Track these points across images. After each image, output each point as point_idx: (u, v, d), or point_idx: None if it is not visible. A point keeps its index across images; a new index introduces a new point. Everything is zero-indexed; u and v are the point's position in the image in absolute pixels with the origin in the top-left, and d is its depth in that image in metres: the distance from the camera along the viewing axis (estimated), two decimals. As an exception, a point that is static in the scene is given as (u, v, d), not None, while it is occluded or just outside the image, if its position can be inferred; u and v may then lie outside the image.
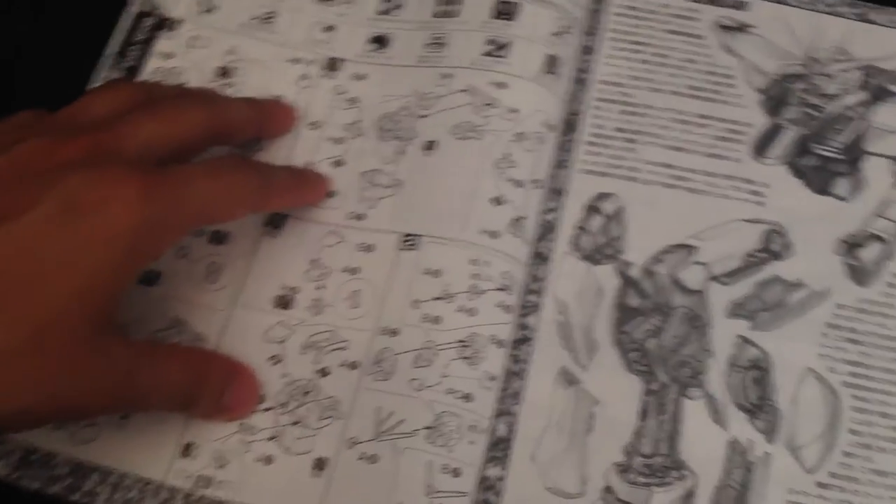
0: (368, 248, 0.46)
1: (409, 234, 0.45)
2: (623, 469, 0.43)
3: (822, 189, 0.48)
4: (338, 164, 0.48)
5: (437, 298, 0.44)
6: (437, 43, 0.50)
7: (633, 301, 0.46)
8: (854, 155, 0.48)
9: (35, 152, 0.36)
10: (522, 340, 0.45)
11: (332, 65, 0.50)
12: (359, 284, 0.45)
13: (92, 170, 0.35)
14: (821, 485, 0.42)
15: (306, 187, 0.46)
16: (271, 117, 0.48)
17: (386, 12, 0.52)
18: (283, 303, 0.45)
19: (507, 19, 0.49)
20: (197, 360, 0.41)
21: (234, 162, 0.41)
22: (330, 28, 0.51)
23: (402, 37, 0.51)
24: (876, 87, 0.50)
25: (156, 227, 0.36)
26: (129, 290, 0.37)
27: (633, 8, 0.52)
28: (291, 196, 0.45)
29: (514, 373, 0.44)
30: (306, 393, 0.43)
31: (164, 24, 0.51)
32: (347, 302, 0.45)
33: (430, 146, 0.47)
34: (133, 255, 0.35)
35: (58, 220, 0.33)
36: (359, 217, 0.46)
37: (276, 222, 0.46)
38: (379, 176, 0.47)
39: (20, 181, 0.34)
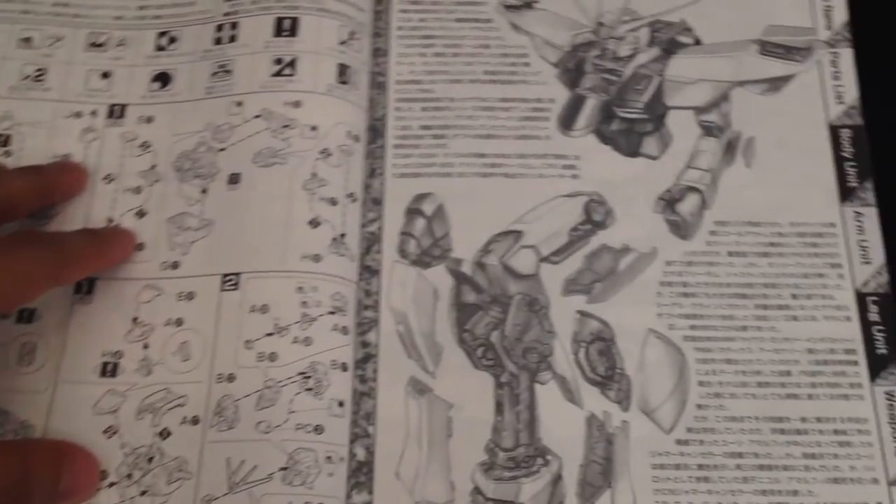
0: (189, 296, 0.44)
1: (228, 274, 0.44)
2: (488, 467, 0.42)
3: (633, 151, 0.48)
4: (141, 214, 0.46)
5: (270, 334, 0.42)
6: (223, 71, 0.48)
7: (470, 297, 0.45)
8: (657, 112, 0.49)
9: None
10: (366, 359, 0.44)
11: (116, 112, 0.48)
12: (185, 335, 0.43)
13: None
14: (680, 441, 0.43)
15: (108, 248, 0.44)
16: (56, 181, 0.45)
17: (163, 48, 0.49)
18: (109, 370, 0.42)
19: (290, 35, 0.48)
20: (20, 452, 0.38)
21: (20, 239, 0.38)
22: (107, 75, 0.49)
23: (184, 70, 0.49)
24: (666, 40, 0.50)
25: None
26: None
27: (417, 2, 0.51)
28: (93, 261, 0.43)
29: (364, 393, 0.43)
30: (150, 459, 0.41)
31: (-73, 102, 0.48)
32: (177, 356, 0.43)
33: (234, 179, 0.46)
34: None
35: None
36: (173, 265, 0.44)
37: (85, 287, 0.44)
38: (187, 219, 0.45)
39: None
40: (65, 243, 0.41)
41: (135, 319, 0.43)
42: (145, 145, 0.47)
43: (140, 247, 0.45)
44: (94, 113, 0.48)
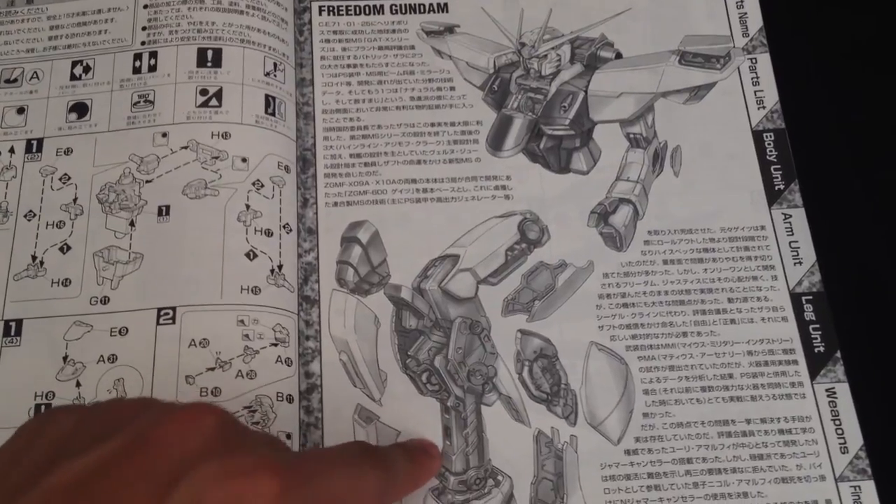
0: (122, 332, 0.43)
1: (164, 308, 0.43)
2: (439, 492, 0.42)
3: (563, 167, 0.48)
4: (65, 248, 0.45)
5: (211, 369, 0.42)
6: (145, 101, 0.47)
7: (411, 322, 0.45)
8: (584, 127, 0.49)
9: (160, 438, 0.30)
10: (310, 389, 0.43)
11: (33, 146, 0.47)
12: (120, 372, 0.42)
13: (222, 461, 0.29)
14: (629, 451, 0.43)
15: (422, 472, 0.41)
16: (426, 467, 0.42)
17: (77, 77, 0.49)
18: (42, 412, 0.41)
19: (214, 66, 0.48)
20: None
21: (365, 454, 0.36)
22: (22, 110, 0.48)
23: (102, 100, 0.48)
24: (588, 56, 0.51)
25: None
26: None
27: (338, 32, 0.51)
28: (410, 487, 0.41)
29: (310, 424, 0.42)
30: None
31: None
32: (112, 394, 0.41)
33: (163, 211, 0.45)
34: None
35: None
36: (103, 300, 0.43)
37: (13, 330, 0.43)
38: (115, 252, 0.44)
39: (144, 477, 0.28)
40: (393, 467, 0.38)
41: (65, 358, 0.42)
42: (65, 178, 0.46)
43: (66, 282, 0.44)
44: (11, 150, 0.47)
